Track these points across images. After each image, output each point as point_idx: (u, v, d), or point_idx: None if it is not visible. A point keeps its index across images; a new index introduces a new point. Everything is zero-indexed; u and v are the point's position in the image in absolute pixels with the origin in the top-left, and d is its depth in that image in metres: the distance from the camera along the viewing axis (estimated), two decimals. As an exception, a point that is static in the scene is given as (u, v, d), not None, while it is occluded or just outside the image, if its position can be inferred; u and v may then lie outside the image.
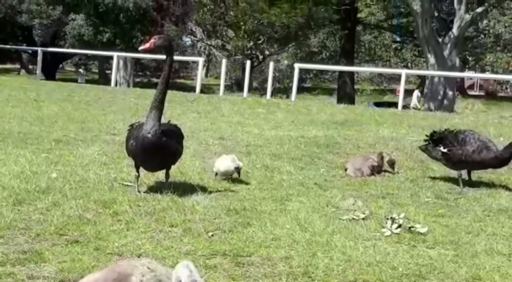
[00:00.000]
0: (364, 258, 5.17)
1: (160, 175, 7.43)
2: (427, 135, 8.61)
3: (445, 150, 8.10)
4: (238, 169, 7.71)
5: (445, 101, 26.42)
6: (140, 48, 7.31)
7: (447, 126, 13.05)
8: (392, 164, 8.74)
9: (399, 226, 5.99)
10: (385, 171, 8.74)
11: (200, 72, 27.03)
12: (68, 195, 6.61)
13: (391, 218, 6.09)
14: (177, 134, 7.21)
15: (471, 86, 39.63)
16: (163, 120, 7.18)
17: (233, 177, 7.77)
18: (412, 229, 5.97)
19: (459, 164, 8.04)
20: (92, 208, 6.24)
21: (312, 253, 5.26)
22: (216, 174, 7.82)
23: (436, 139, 8.35)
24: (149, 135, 6.71)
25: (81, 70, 41.75)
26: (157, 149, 6.73)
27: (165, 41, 7.09)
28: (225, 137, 10.86)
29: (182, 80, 43.24)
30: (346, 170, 8.64)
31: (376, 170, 8.62)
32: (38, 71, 28.84)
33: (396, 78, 39.98)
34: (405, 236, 5.85)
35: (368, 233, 5.90)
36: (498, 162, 7.88)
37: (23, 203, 6.25)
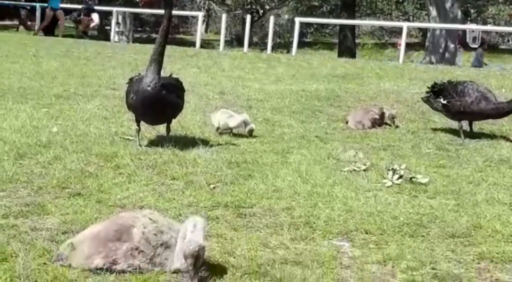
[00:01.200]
0: (365, 208, 5.19)
1: (161, 129, 7.42)
2: (428, 87, 8.57)
3: (444, 101, 8.08)
4: (251, 131, 7.71)
5: (447, 54, 26.23)
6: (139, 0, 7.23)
7: (448, 79, 13.07)
8: (392, 118, 8.72)
9: (400, 176, 6.00)
10: (386, 123, 8.73)
11: (200, 27, 26.81)
12: (69, 149, 6.61)
13: (392, 169, 6.10)
14: (177, 88, 7.16)
15: (473, 39, 39.36)
16: (164, 74, 7.14)
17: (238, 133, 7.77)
18: (413, 179, 5.99)
19: (458, 115, 8.02)
20: (94, 161, 6.25)
21: (314, 204, 5.28)
22: (218, 128, 7.79)
23: (437, 91, 8.32)
24: (149, 88, 6.68)
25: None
26: (157, 102, 6.71)
27: None
28: (225, 91, 10.82)
29: (181, 36, 42.90)
30: (347, 122, 8.63)
31: (377, 122, 8.61)
32: (37, 27, 28.60)
33: (398, 32, 39.62)
34: (406, 187, 5.87)
35: (369, 184, 5.92)
36: (497, 112, 7.86)
37: (24, 157, 6.26)
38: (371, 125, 8.50)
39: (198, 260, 3.69)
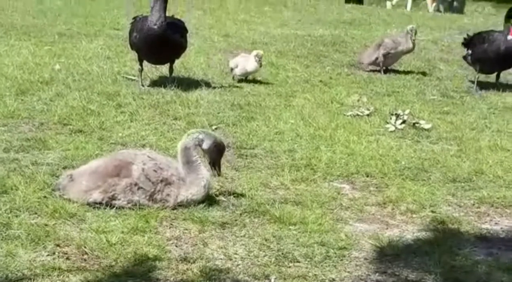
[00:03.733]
0: (367, 152, 5.18)
1: (164, 69, 7.35)
2: (462, 43, 8.23)
3: (469, 51, 7.87)
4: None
5: (455, 3, 25.85)
6: None
7: (455, 27, 12.91)
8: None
9: (403, 122, 5.97)
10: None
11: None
12: (71, 87, 6.58)
13: (395, 114, 6.07)
14: (181, 28, 7.08)
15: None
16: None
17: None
18: (416, 125, 5.96)
19: (480, 64, 7.74)
20: (96, 99, 6.21)
21: (315, 147, 5.27)
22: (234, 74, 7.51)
23: (466, 43, 8.04)
24: (155, 27, 6.60)
25: None
26: (163, 41, 6.63)
27: None
28: (230, 34, 10.69)
29: (187, -21, 42.34)
30: (360, 62, 8.60)
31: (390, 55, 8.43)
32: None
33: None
34: (409, 132, 5.85)
35: (372, 129, 5.90)
36: None
37: (26, 93, 6.23)
38: (383, 60, 8.30)
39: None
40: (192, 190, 3.93)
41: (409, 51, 8.51)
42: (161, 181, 3.89)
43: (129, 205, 3.83)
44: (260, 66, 7.36)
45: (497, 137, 5.80)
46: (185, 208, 3.92)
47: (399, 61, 8.79)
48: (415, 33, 8.51)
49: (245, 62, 7.33)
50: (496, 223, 4.08)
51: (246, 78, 7.50)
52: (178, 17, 7.56)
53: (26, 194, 3.88)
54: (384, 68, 8.38)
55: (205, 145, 3.97)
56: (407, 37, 8.38)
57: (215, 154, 4.04)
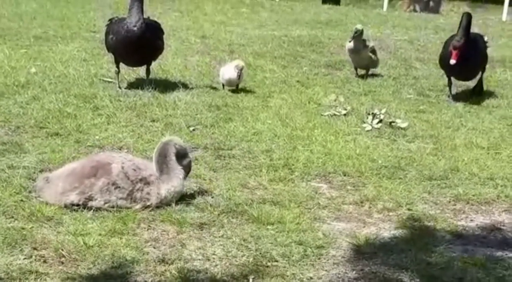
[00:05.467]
0: (344, 151, 5.21)
1: (141, 71, 7.34)
2: None
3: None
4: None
5: (431, 3, 26.06)
6: None
7: (431, 27, 13.01)
8: None
9: (380, 121, 6.02)
10: None
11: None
12: (47, 89, 6.54)
13: (372, 113, 6.11)
14: (158, 30, 7.08)
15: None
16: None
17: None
18: (392, 124, 6.01)
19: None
20: (72, 102, 6.19)
21: (293, 147, 5.30)
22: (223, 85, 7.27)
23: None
24: (135, 28, 6.59)
25: None
26: (141, 43, 6.62)
27: None
28: (207, 36, 10.69)
29: (164, -19, 42.25)
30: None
31: None
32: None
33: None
34: (386, 131, 5.89)
35: (349, 128, 5.93)
36: None
37: (2, 97, 6.19)
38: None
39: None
40: (173, 183, 3.96)
41: (353, 52, 8.07)
42: (140, 180, 3.90)
43: (106, 206, 3.83)
44: (239, 78, 7.06)
45: (472, 135, 5.86)
46: (163, 209, 3.92)
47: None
48: (356, 33, 7.95)
49: (225, 71, 7.15)
50: (471, 220, 4.13)
51: (236, 88, 7.18)
52: (155, 19, 7.54)
53: (2, 198, 3.86)
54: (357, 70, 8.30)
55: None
56: (350, 37, 8.13)
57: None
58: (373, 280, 3.33)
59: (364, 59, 8.13)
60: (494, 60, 9.08)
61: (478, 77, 7.52)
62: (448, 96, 7.29)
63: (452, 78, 7.31)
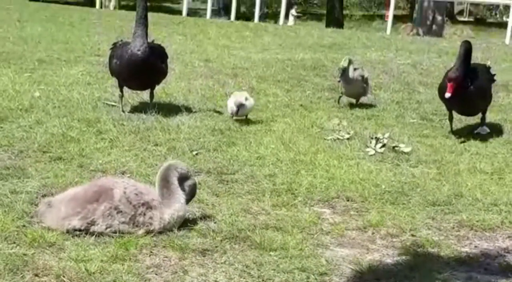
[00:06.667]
0: (347, 176, 5.19)
1: (145, 95, 7.36)
2: None
3: None
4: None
5: (434, 27, 26.18)
6: None
7: (435, 51, 13.05)
8: None
9: (383, 145, 6.01)
10: None
11: (187, -5, 26.47)
12: (51, 113, 6.56)
13: (375, 137, 6.11)
14: (162, 54, 7.11)
15: (461, 12, 39.22)
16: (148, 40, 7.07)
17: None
18: (396, 148, 6.00)
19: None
20: (76, 126, 6.20)
21: (296, 171, 5.29)
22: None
23: None
24: (139, 52, 6.62)
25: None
26: (146, 67, 6.66)
27: None
28: (211, 59, 10.74)
29: (168, 4, 42.47)
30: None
31: None
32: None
33: (386, 4, 39.38)
34: (389, 155, 5.88)
35: (352, 153, 5.92)
36: None
37: (5, 121, 6.20)
38: None
39: None
40: (175, 207, 3.95)
41: (344, 83, 7.76)
42: (143, 204, 3.89)
43: (108, 230, 3.81)
44: (237, 113, 6.78)
45: (476, 160, 5.85)
46: (165, 235, 3.91)
47: (378, 86, 8.85)
48: (344, 70, 7.61)
49: (228, 104, 6.93)
50: (475, 246, 4.10)
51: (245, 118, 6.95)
52: (159, 42, 7.58)
53: (5, 223, 3.85)
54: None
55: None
56: (339, 75, 7.80)
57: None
58: (376, 308, 3.30)
59: (356, 88, 7.80)
60: (497, 84, 9.10)
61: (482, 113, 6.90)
62: (449, 132, 6.79)
63: (454, 112, 6.81)
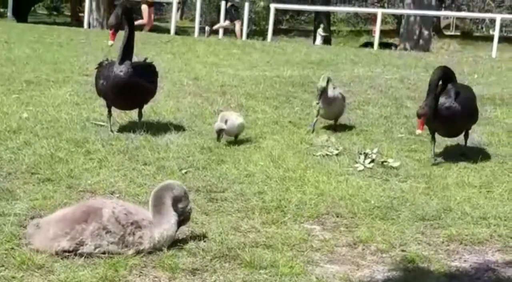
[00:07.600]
0: (337, 192, 5.20)
1: (133, 114, 7.36)
2: None
3: None
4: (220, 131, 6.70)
5: (421, 41, 26.37)
6: (109, 43, 6.95)
7: (422, 65, 13.13)
8: None
9: (372, 160, 6.03)
10: None
11: (175, 14, 26.61)
12: (39, 135, 6.54)
13: (364, 153, 6.13)
14: (150, 73, 7.11)
15: (447, 26, 39.61)
16: (138, 59, 7.10)
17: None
18: (384, 163, 6.02)
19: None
20: (64, 147, 6.18)
21: (285, 188, 5.29)
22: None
23: None
24: (121, 73, 6.63)
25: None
26: (129, 88, 6.65)
27: (117, 17, 6.76)
28: (199, 77, 10.77)
29: (156, 23, 42.63)
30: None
31: None
32: (9, 13, 28.19)
33: (373, 19, 39.70)
34: (378, 170, 5.90)
35: (341, 168, 5.94)
36: None
37: (-7, 143, 6.18)
38: None
39: None
40: (165, 226, 3.93)
41: (323, 105, 7.42)
42: (131, 223, 3.87)
43: (97, 251, 3.78)
44: (218, 139, 6.67)
45: (464, 174, 5.87)
46: (155, 255, 3.89)
47: (366, 101, 8.88)
48: (323, 92, 7.27)
49: (214, 126, 6.79)
50: (465, 261, 4.10)
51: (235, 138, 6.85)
52: (151, 61, 7.59)
53: (-7, 246, 3.83)
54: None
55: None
56: (317, 98, 7.39)
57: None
58: (367, 324, 3.29)
59: (336, 107, 7.47)
60: (484, 97, 9.17)
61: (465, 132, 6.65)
62: (431, 157, 6.37)
63: (436, 135, 6.48)
